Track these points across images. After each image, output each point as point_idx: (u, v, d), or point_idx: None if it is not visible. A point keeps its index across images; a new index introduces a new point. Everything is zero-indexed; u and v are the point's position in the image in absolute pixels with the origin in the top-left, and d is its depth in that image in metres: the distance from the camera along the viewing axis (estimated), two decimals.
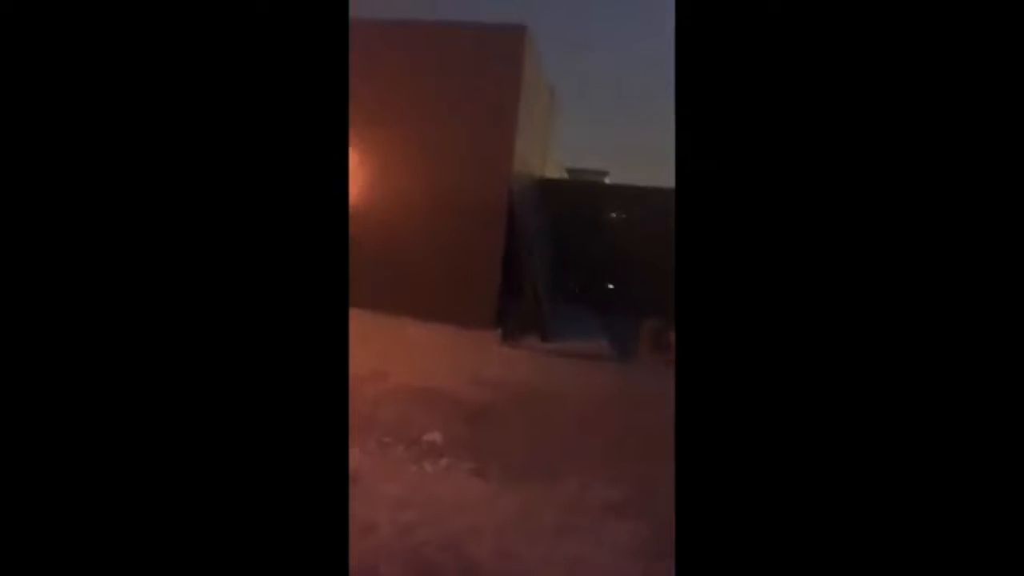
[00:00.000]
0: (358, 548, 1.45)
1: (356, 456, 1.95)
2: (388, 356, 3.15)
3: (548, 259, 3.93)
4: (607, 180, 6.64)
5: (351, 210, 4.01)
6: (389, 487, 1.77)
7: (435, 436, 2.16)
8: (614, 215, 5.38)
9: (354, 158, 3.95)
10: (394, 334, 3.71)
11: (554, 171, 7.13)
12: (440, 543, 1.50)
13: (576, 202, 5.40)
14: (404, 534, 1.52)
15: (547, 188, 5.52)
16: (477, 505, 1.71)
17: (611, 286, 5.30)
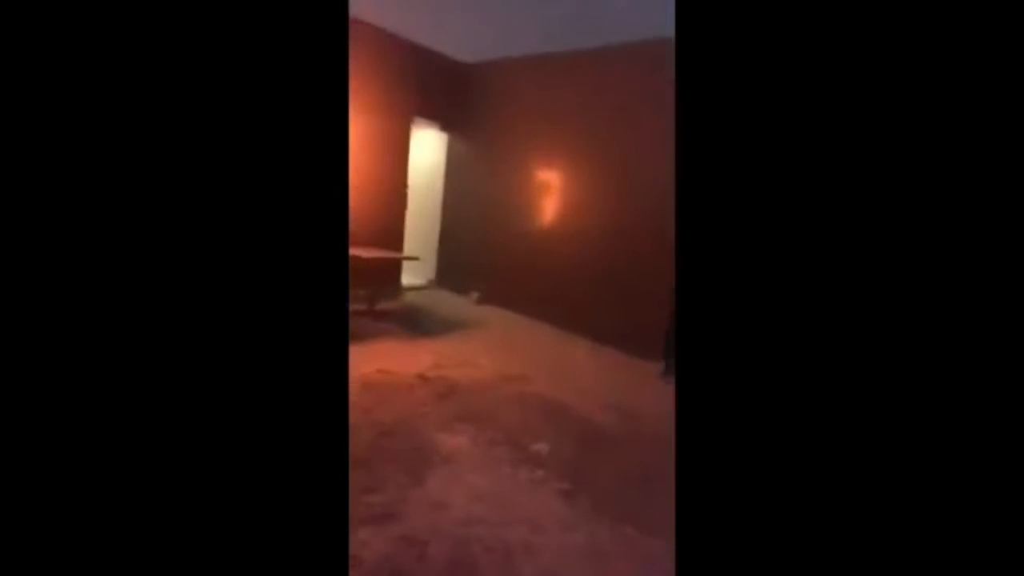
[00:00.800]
0: (420, 519, 1.59)
1: (462, 443, 2.11)
2: (541, 364, 3.27)
3: None
4: None
5: (542, 230, 4.33)
6: (476, 478, 1.86)
7: (542, 447, 2.15)
8: None
9: (547, 181, 4.27)
10: (557, 346, 3.82)
11: None
12: (493, 545, 1.50)
13: None
14: (464, 524, 1.59)
15: None
16: (549, 526, 1.64)
17: None
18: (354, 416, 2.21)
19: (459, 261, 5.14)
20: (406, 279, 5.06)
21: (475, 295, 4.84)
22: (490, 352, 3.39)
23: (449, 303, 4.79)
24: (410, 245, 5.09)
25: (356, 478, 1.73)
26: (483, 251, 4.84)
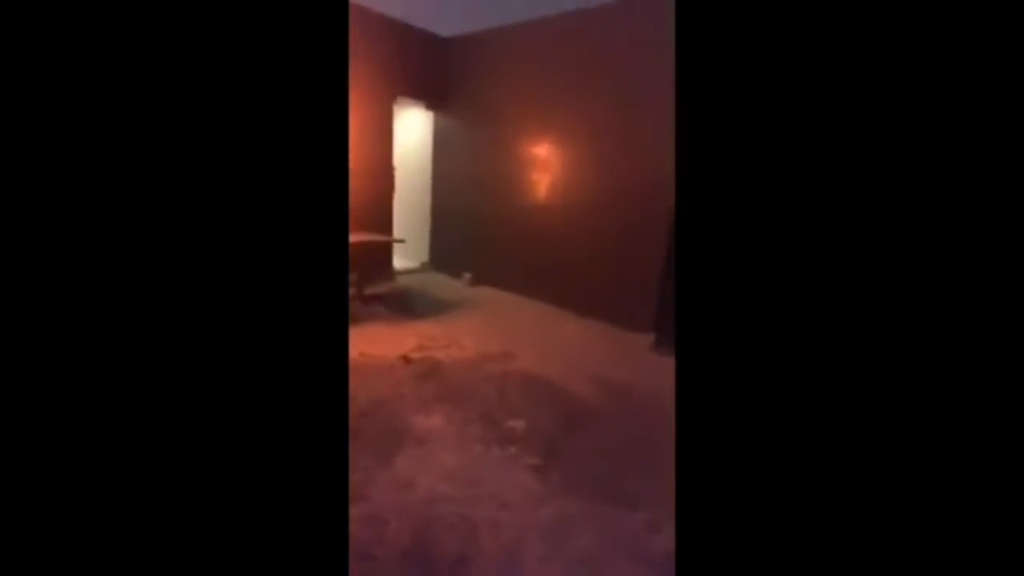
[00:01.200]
0: (386, 498, 1.59)
1: (436, 422, 2.11)
2: (528, 341, 3.24)
3: None
4: None
5: (533, 206, 4.24)
6: (447, 456, 1.86)
7: (518, 424, 2.14)
8: None
9: (536, 155, 4.16)
10: (547, 322, 3.78)
11: None
12: (456, 523, 1.50)
13: None
14: (429, 502, 1.58)
15: None
16: (516, 502, 1.63)
17: None
18: None
19: (451, 242, 5.10)
20: (399, 262, 5.04)
21: (467, 276, 4.81)
22: (477, 332, 3.37)
23: (441, 285, 4.77)
24: (402, 227, 5.05)
25: None
26: (475, 231, 4.77)
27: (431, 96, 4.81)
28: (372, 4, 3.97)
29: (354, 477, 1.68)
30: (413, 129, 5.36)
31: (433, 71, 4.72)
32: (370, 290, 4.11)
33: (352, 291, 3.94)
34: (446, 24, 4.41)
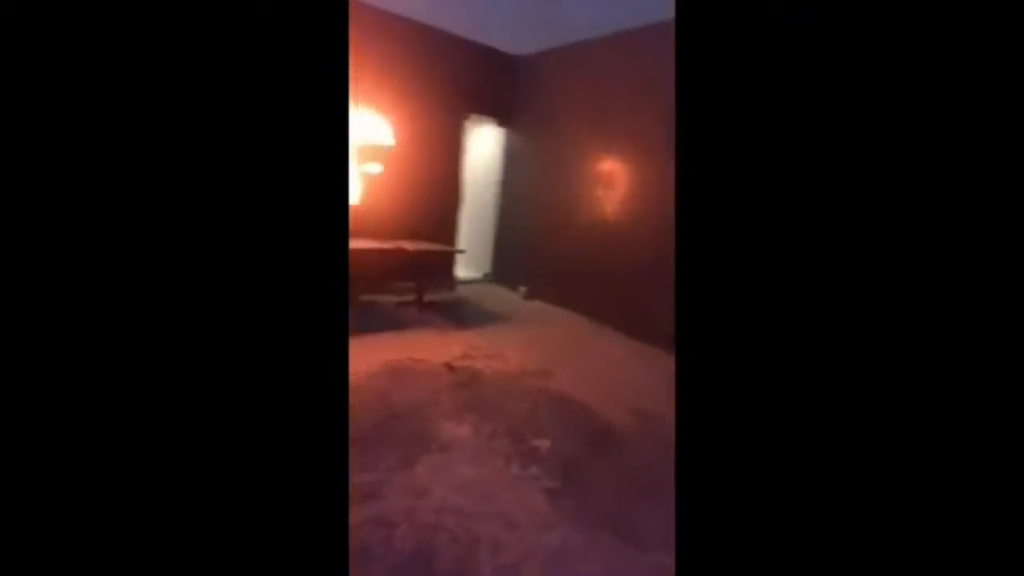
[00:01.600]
0: (399, 502, 1.65)
1: (464, 432, 2.14)
2: (571, 360, 3.19)
3: None
4: None
5: (595, 223, 4.20)
6: (466, 468, 1.88)
7: (542, 444, 2.11)
8: None
9: (602, 172, 4.12)
10: (596, 343, 3.69)
11: None
12: (459, 536, 1.52)
13: None
14: (437, 512, 1.62)
15: None
16: (524, 523, 1.61)
17: None
18: (369, 398, 2.35)
19: (513, 255, 5.18)
20: (462, 273, 5.22)
21: (523, 289, 4.85)
22: (522, 346, 3.38)
23: (498, 297, 4.85)
24: (469, 239, 5.23)
25: (351, 457, 1.84)
26: (535, 245, 4.81)
27: (502, 113, 4.97)
28: (446, 24, 4.21)
29: (374, 476, 1.76)
30: (485, 145, 5.55)
31: (504, 89, 4.87)
32: (428, 298, 4.30)
33: (411, 298, 4.15)
34: (516, 43, 4.54)
